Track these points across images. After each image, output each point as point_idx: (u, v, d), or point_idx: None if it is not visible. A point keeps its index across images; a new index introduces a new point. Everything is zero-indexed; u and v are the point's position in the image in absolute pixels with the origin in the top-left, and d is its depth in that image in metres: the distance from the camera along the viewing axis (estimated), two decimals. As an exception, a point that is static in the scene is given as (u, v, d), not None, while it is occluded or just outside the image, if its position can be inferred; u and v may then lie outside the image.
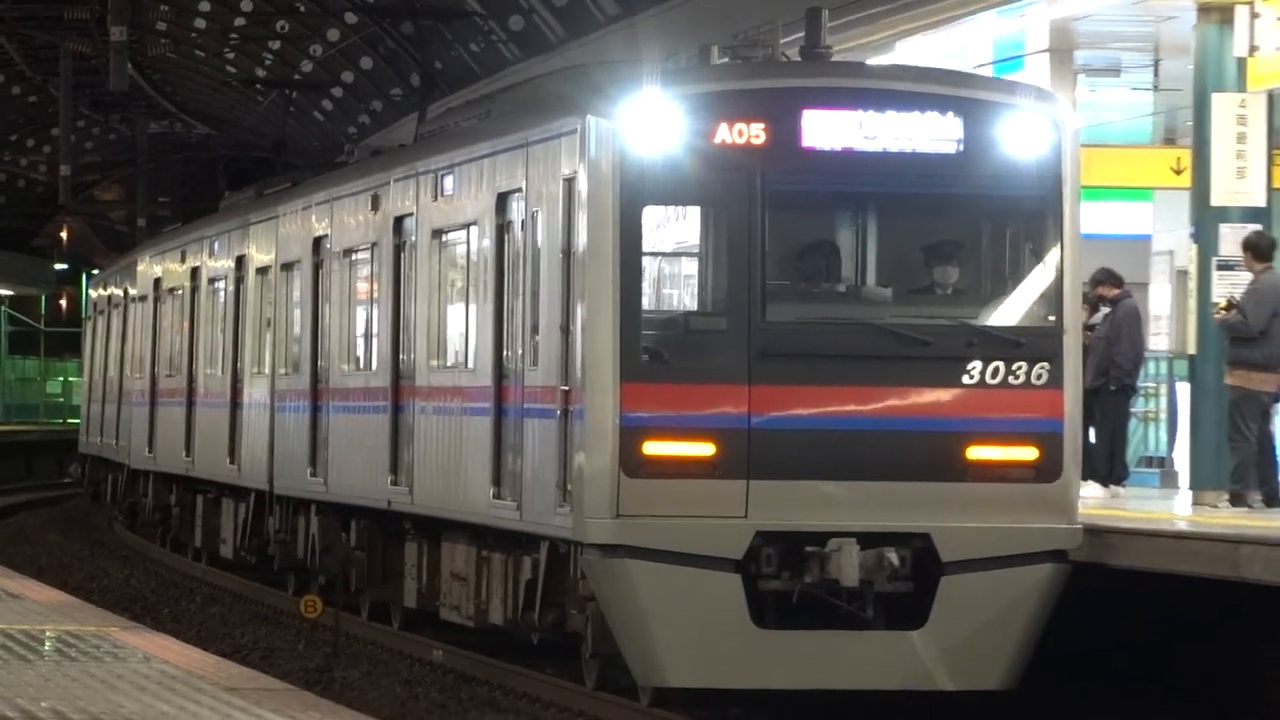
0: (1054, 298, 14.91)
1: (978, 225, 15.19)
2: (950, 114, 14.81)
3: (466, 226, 18.57)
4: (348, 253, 22.40)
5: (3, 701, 9.58)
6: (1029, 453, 14.69)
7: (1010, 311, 14.90)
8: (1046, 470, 14.69)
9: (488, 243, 17.60)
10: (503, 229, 17.37)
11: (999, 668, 14.63)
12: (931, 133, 14.77)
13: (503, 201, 17.29)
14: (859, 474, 14.47)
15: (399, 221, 20.35)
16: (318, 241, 23.70)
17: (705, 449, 14.39)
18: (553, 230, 15.78)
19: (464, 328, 19.03)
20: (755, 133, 14.53)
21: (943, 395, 14.63)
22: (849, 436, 14.49)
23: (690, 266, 14.99)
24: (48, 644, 13.31)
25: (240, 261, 27.22)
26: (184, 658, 13.24)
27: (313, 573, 23.94)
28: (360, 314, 22.38)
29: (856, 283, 15.14)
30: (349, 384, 22.67)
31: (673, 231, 14.95)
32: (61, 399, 79.75)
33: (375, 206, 21.03)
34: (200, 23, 57.30)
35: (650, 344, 14.43)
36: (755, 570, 14.34)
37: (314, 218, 23.86)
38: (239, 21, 54.43)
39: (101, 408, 39.78)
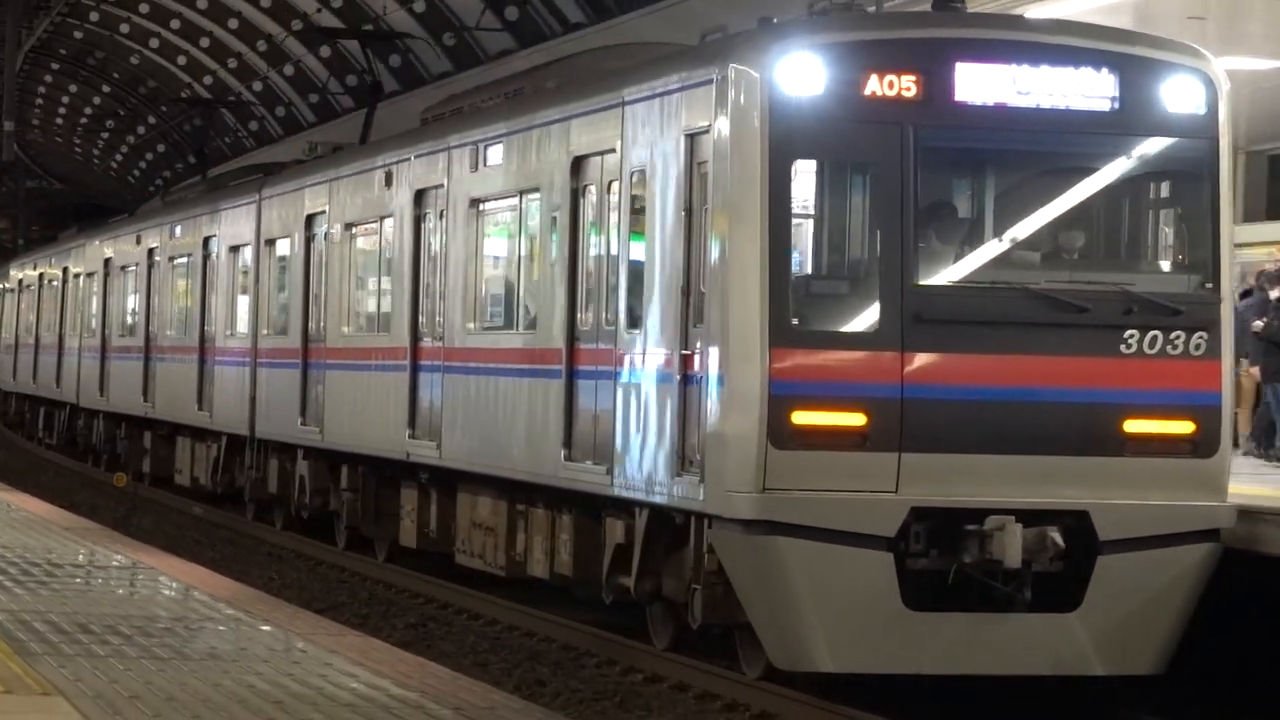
0: (1210, 264, 13.87)
1: (1133, 187, 14.14)
2: (1105, 70, 13.74)
3: (520, 193, 18.02)
4: (349, 226, 23.14)
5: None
6: (1187, 427, 13.65)
7: (1167, 278, 13.90)
8: (1204, 445, 13.69)
9: (558, 208, 16.79)
10: (578, 192, 16.49)
11: (1152, 652, 13.61)
12: (1087, 89, 13.69)
13: (578, 164, 16.45)
14: (1015, 447, 13.38)
15: (421, 194, 20.53)
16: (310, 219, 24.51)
17: (856, 419, 13.26)
18: (665, 189, 14.69)
19: (517, 291, 18.46)
20: (906, 85, 13.39)
21: (1100, 365, 13.55)
22: (1004, 407, 13.40)
23: (837, 225, 13.84)
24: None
25: (207, 241, 29.55)
26: (39, 509, 23.63)
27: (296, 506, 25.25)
28: (380, 279, 22.36)
29: (1009, 245, 14.08)
30: (359, 344, 22.83)
31: (818, 187, 13.78)
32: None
33: (389, 181, 21.37)
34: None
35: (799, 307, 13.33)
36: (905, 548, 13.28)
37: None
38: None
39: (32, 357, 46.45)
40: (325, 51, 51.97)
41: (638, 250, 15.59)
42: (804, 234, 13.56)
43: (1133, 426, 13.62)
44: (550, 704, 14.16)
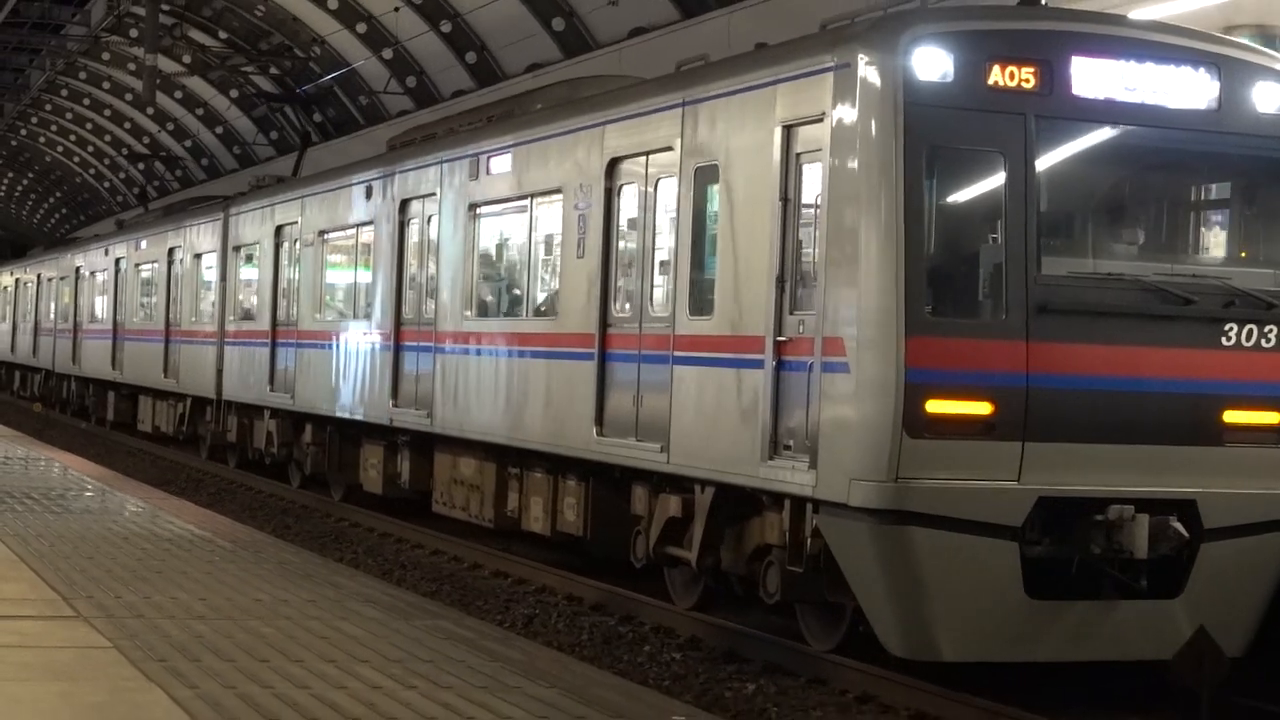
0: None
1: (1234, 182, 14.15)
2: (1209, 70, 13.66)
3: (530, 197, 19.04)
4: (322, 234, 25.89)
5: None
6: (1279, 417, 13.88)
7: (1260, 274, 13.79)
8: None
9: (588, 207, 17.24)
10: (612, 192, 16.80)
11: (1243, 636, 13.59)
12: (1193, 87, 13.59)
13: (613, 165, 16.77)
14: (1128, 436, 13.19)
15: (406, 203, 22.40)
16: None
17: (984, 408, 13.00)
18: (749, 181, 14.47)
19: (532, 281, 19.29)
20: (1025, 75, 13.17)
21: (1203, 356, 13.46)
22: (1118, 397, 13.19)
23: (965, 214, 13.63)
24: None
25: (171, 251, 34.73)
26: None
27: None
28: (357, 275, 24.68)
29: (1119, 237, 13.97)
30: (330, 328, 25.23)
31: (947, 175, 13.53)
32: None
33: (370, 194, 23.56)
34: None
35: (932, 296, 13.06)
36: (1030, 537, 13.09)
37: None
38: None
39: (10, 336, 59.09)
40: (259, 111, 59.50)
41: (705, 240, 15.38)
42: (929, 220, 13.31)
43: (1232, 417, 13.55)
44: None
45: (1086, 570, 13.21)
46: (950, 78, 13.11)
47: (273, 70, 49.76)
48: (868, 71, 13.19)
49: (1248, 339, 13.64)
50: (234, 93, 60.01)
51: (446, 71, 43.95)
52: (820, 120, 13.64)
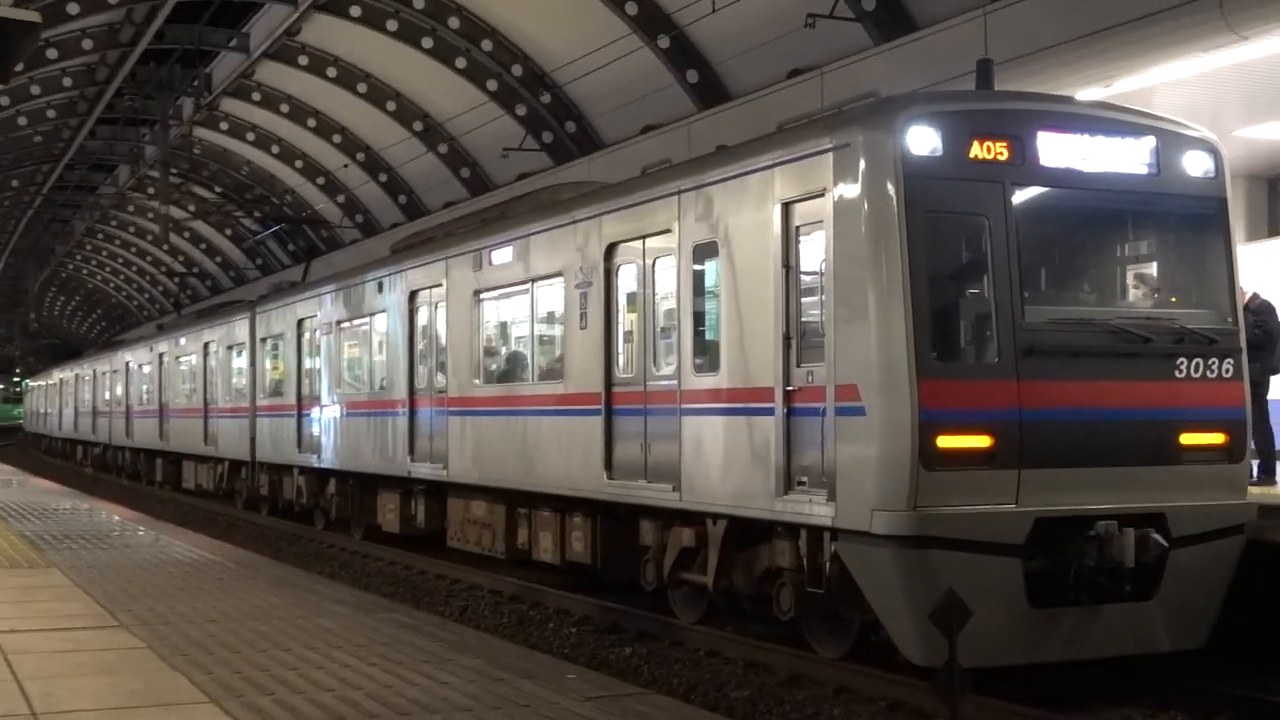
0: (1229, 300, 11.56)
1: (1172, 236, 11.76)
2: (1147, 140, 11.37)
3: (532, 281, 16.32)
4: (339, 323, 22.99)
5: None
6: (1223, 438, 11.32)
7: (1200, 314, 11.44)
8: (1235, 452, 11.25)
9: (588, 285, 14.74)
10: (610, 271, 14.33)
11: (1203, 629, 11.14)
12: (1135, 156, 11.24)
13: (611, 249, 14.32)
14: (1105, 460, 10.67)
15: (415, 293, 19.67)
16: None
17: (984, 441, 10.45)
18: (750, 252, 11.89)
19: (536, 352, 16.59)
20: (999, 149, 10.79)
21: (1161, 388, 11.04)
22: (1095, 426, 10.67)
23: (956, 270, 11.05)
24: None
25: (206, 345, 32.28)
26: (52, 486, 32.15)
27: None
28: (371, 356, 21.85)
29: (1084, 285, 11.54)
30: (354, 398, 22.17)
31: (940, 237, 10.95)
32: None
33: (380, 288, 21.14)
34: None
35: (935, 343, 10.46)
36: (1029, 553, 10.58)
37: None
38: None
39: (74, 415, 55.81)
40: (247, 244, 57.67)
41: (706, 307, 12.83)
42: (929, 278, 10.73)
43: (1187, 439, 11.10)
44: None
45: (1079, 579, 10.70)
46: (939, 152, 10.59)
47: (255, 213, 51.78)
48: (869, 149, 10.58)
49: (1195, 371, 11.25)
50: (228, 231, 59.13)
51: (385, 210, 42.95)
52: (821, 195, 11.02)
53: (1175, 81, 15.38)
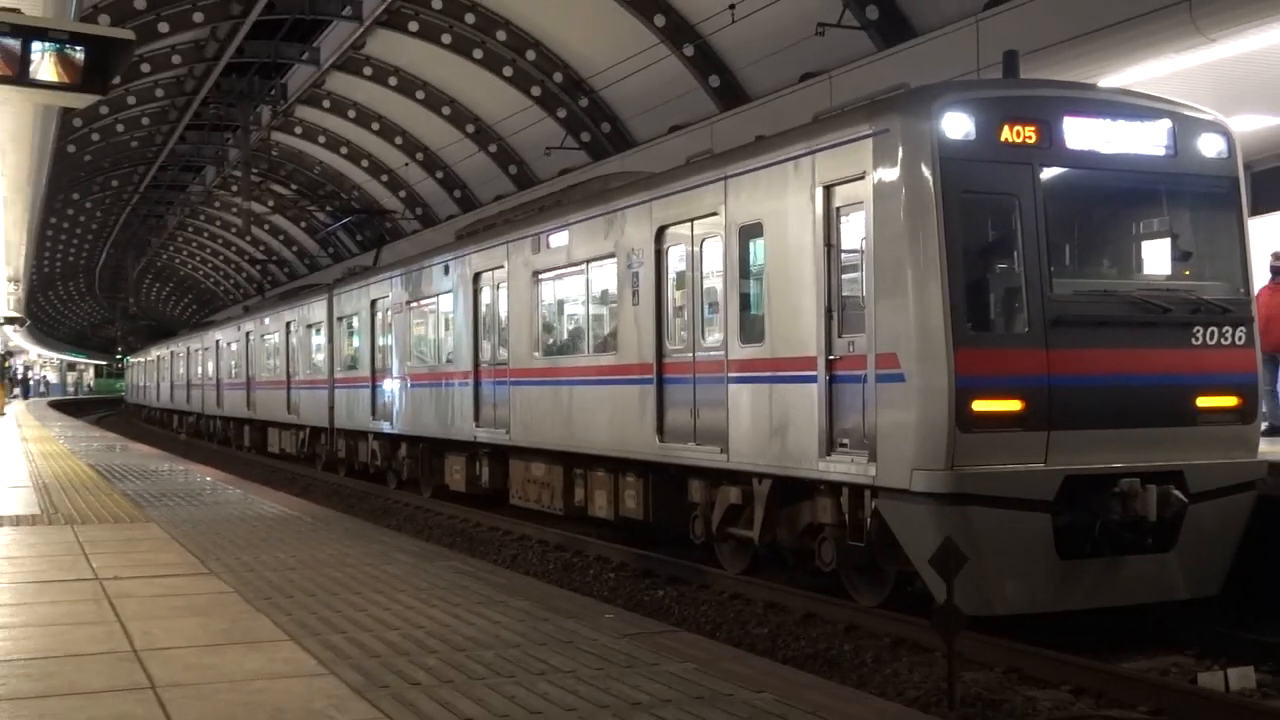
0: (1242, 271, 11.08)
1: (1187, 213, 11.27)
2: (1164, 123, 10.87)
3: (587, 263, 15.69)
4: (409, 303, 22.31)
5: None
6: (1236, 400, 10.85)
7: (1215, 285, 10.96)
8: (1247, 414, 10.76)
9: (640, 266, 14.17)
10: (661, 253, 13.75)
11: (1218, 578, 10.66)
12: (1153, 138, 10.74)
13: (661, 232, 13.72)
14: (1128, 422, 10.21)
15: (479, 275, 18.94)
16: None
17: (1016, 405, 9.99)
18: (794, 232, 11.37)
19: (594, 326, 15.86)
20: (1028, 133, 10.30)
21: (1179, 354, 10.55)
22: (1118, 390, 10.20)
23: (989, 246, 10.55)
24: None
25: (288, 325, 31.53)
26: (150, 450, 28.60)
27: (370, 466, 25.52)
28: (438, 333, 21.23)
29: (1107, 259, 11.05)
30: (421, 370, 21.48)
31: (974, 216, 10.47)
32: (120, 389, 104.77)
33: (447, 271, 20.50)
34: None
35: (970, 314, 10.02)
36: (1058, 509, 10.16)
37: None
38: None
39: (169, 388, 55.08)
40: (320, 235, 56.33)
41: (751, 283, 12.38)
42: (964, 253, 10.28)
43: (1203, 402, 10.62)
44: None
45: (1104, 532, 10.25)
46: (972, 136, 10.10)
47: (326, 207, 51.54)
48: (907, 134, 10.10)
49: (1210, 338, 10.76)
50: (302, 224, 58.67)
51: (442, 203, 42.43)
52: (861, 178, 10.56)
53: (1148, 80, 14.97)
